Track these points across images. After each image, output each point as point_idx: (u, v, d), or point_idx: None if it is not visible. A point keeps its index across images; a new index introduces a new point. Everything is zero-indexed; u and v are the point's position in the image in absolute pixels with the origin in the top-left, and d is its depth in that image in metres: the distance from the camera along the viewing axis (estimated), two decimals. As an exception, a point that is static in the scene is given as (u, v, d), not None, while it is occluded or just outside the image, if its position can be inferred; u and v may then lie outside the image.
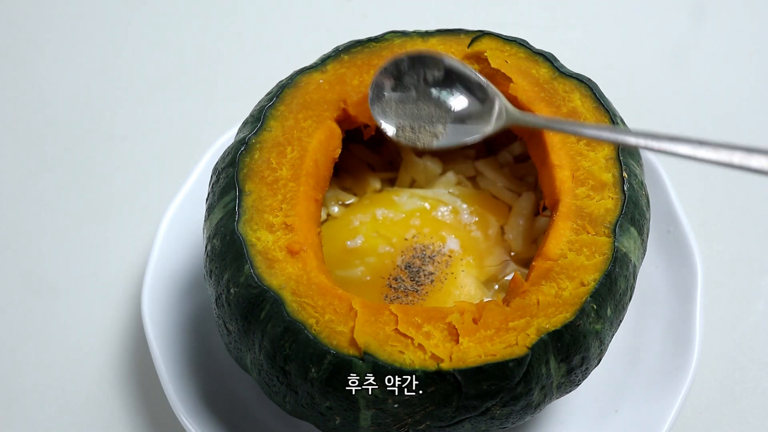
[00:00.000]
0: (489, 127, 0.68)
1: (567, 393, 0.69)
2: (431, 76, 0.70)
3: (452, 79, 0.70)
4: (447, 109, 0.70)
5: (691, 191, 0.98)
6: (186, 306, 0.83)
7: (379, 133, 0.83)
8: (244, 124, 0.75)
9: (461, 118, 0.69)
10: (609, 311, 0.66)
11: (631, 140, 0.60)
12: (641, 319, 0.82)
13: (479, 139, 0.68)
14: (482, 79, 0.69)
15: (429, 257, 0.77)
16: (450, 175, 0.83)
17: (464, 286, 0.76)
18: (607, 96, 0.75)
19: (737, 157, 0.54)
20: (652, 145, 0.58)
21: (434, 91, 0.70)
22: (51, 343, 0.89)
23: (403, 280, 0.76)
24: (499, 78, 0.75)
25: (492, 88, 0.69)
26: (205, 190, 0.78)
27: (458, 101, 0.70)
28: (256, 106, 0.76)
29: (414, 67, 0.70)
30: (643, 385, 0.78)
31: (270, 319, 0.64)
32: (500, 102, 0.68)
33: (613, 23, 1.19)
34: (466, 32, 0.78)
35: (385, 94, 0.71)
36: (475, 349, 0.61)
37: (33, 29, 1.19)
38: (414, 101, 0.70)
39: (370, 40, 0.78)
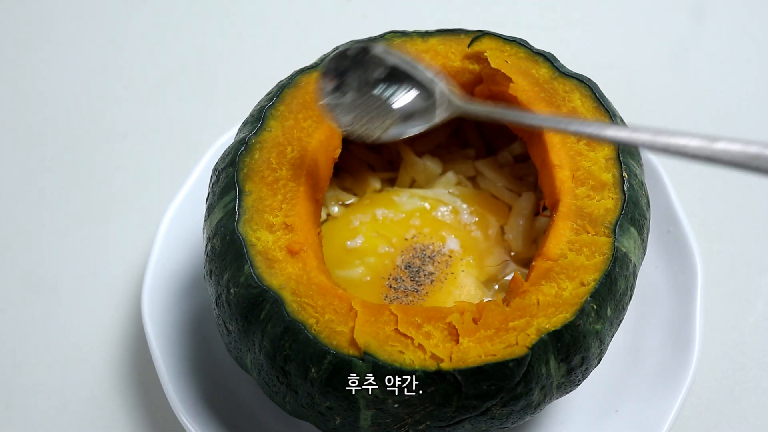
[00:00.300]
0: (434, 119, 0.69)
1: (567, 393, 0.69)
2: (373, 75, 0.70)
3: (396, 74, 0.70)
4: (394, 103, 0.70)
5: (691, 191, 0.98)
6: (186, 306, 0.83)
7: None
8: (244, 124, 0.75)
9: (410, 110, 0.70)
10: (609, 311, 0.66)
11: (572, 128, 0.62)
12: (641, 319, 0.82)
13: (425, 129, 0.69)
14: (423, 73, 0.69)
15: (429, 257, 0.77)
16: (450, 175, 0.83)
17: (464, 286, 0.76)
18: (607, 96, 0.75)
19: (673, 141, 0.56)
20: (588, 131, 0.61)
21: (378, 89, 0.70)
22: (51, 343, 0.89)
23: (403, 280, 0.76)
24: (499, 78, 0.75)
25: (432, 81, 0.69)
26: (205, 190, 0.78)
27: (404, 96, 0.70)
28: (256, 106, 0.76)
29: (354, 67, 0.70)
30: (643, 385, 0.78)
31: (270, 319, 0.64)
32: (442, 94, 0.69)
33: (613, 23, 1.19)
34: (466, 32, 0.78)
35: (331, 92, 0.70)
36: (475, 349, 0.61)
37: (33, 29, 1.19)
38: (362, 96, 0.70)
39: (370, 40, 0.78)
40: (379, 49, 0.70)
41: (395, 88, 0.70)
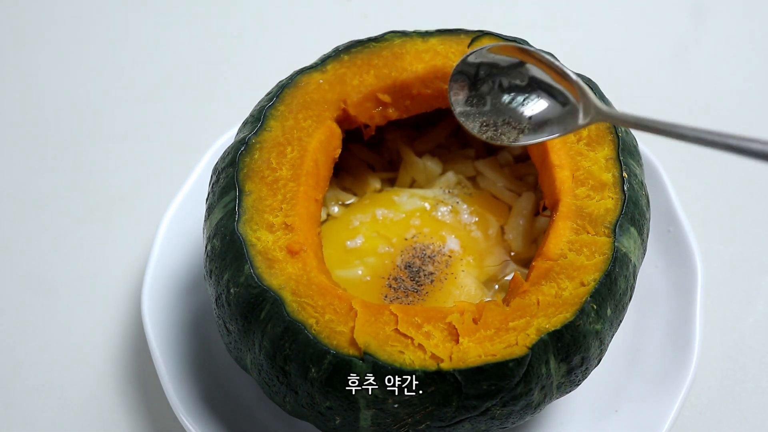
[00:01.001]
0: (577, 124, 0.65)
1: (567, 393, 0.69)
2: (508, 82, 0.66)
3: (533, 79, 0.66)
4: (526, 111, 0.67)
5: (691, 191, 0.98)
6: (186, 306, 0.83)
7: (379, 133, 0.83)
8: (244, 124, 0.75)
9: (544, 118, 0.66)
10: (609, 311, 0.66)
11: (720, 140, 0.56)
12: (641, 319, 0.82)
13: (566, 133, 0.66)
14: (563, 78, 0.65)
15: (429, 257, 0.77)
16: (450, 175, 0.83)
17: (464, 286, 0.76)
18: (607, 96, 0.75)
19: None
20: (735, 143, 0.56)
21: (511, 96, 0.66)
22: (51, 343, 0.89)
23: (403, 280, 0.76)
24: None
25: (577, 86, 0.64)
26: (205, 190, 0.78)
27: (539, 103, 0.66)
28: (256, 106, 0.76)
29: (490, 75, 0.66)
30: (643, 385, 0.78)
31: (270, 319, 0.64)
32: (587, 100, 0.64)
33: (613, 23, 1.19)
34: (466, 32, 0.78)
35: (463, 102, 0.68)
36: (475, 349, 0.61)
37: (33, 29, 1.19)
38: (494, 104, 0.67)
39: (370, 40, 0.78)
40: (509, 55, 0.66)
41: (530, 95, 0.66)
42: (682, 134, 0.58)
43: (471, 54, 0.68)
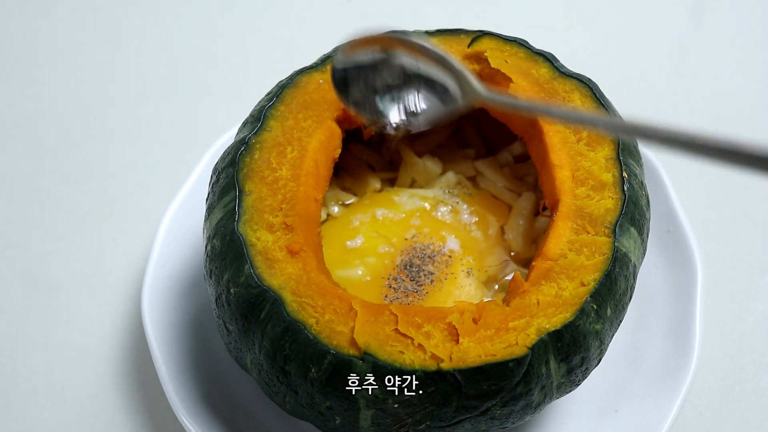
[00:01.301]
0: (459, 105, 0.64)
1: (567, 393, 0.69)
2: (380, 81, 0.65)
3: (408, 74, 0.64)
4: (410, 104, 0.66)
5: (691, 191, 0.98)
6: (186, 306, 0.83)
7: (379, 133, 0.84)
8: (244, 124, 0.75)
9: (427, 108, 0.65)
10: (609, 311, 0.66)
11: (601, 122, 0.60)
12: (641, 319, 0.82)
13: (451, 117, 0.65)
14: (443, 62, 0.62)
15: (429, 257, 0.77)
16: (450, 175, 0.83)
17: (464, 286, 0.76)
18: (607, 96, 0.75)
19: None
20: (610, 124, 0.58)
21: (386, 98, 0.65)
22: (51, 343, 0.89)
23: (403, 280, 0.76)
24: (499, 78, 0.75)
25: (453, 67, 0.62)
26: (205, 190, 0.78)
27: (417, 97, 0.65)
28: (256, 106, 0.76)
29: (360, 77, 0.64)
30: (643, 385, 0.78)
31: (270, 319, 0.64)
32: (464, 81, 0.62)
33: (613, 23, 1.19)
34: (466, 32, 0.78)
35: (344, 100, 0.67)
36: (475, 349, 0.61)
37: (33, 29, 1.19)
38: (375, 97, 0.66)
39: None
40: (376, 47, 0.64)
41: (406, 89, 0.65)
42: (557, 115, 0.61)
43: (335, 60, 0.65)
